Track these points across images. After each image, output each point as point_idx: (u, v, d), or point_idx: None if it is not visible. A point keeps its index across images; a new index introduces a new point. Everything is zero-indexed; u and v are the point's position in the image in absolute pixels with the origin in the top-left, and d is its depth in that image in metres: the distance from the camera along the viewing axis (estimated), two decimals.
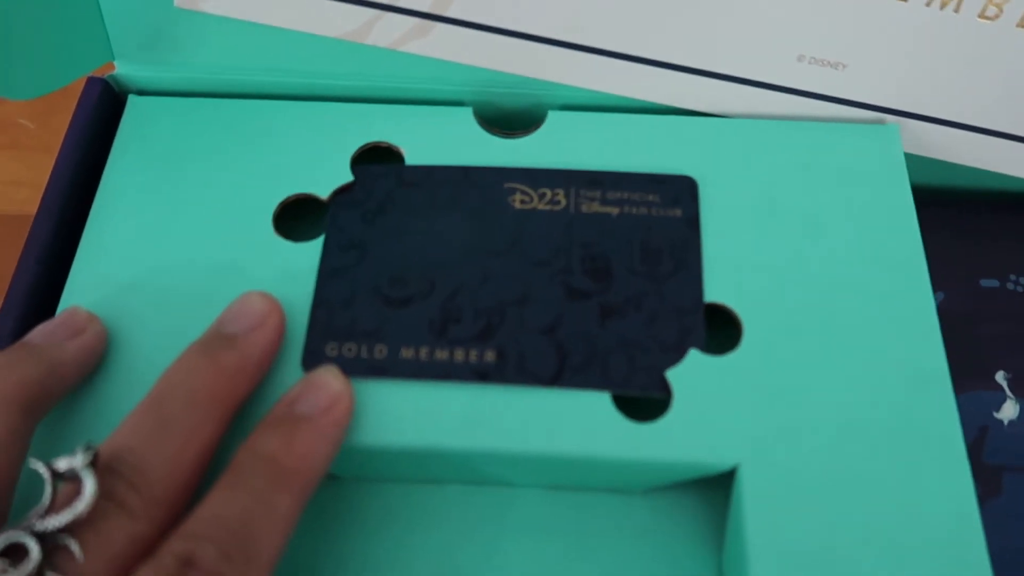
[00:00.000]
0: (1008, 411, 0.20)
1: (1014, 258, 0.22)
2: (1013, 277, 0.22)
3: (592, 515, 0.18)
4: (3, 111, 0.29)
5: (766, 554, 0.16)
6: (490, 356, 0.18)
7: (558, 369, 0.18)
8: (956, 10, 0.19)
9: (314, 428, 0.16)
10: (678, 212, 0.20)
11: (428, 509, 0.18)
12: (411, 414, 0.17)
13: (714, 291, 0.19)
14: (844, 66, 0.20)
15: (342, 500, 0.18)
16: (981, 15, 0.19)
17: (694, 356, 0.18)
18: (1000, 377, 0.21)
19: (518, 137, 0.21)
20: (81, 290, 0.19)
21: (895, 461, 0.17)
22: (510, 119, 0.22)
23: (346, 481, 0.19)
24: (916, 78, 0.20)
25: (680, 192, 0.20)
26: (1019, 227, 0.23)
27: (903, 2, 0.19)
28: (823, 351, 0.18)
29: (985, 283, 0.22)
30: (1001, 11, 0.19)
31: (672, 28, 0.20)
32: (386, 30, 0.20)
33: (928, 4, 0.19)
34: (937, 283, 0.22)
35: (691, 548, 0.18)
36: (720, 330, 0.19)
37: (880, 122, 0.21)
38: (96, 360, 0.18)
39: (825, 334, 0.18)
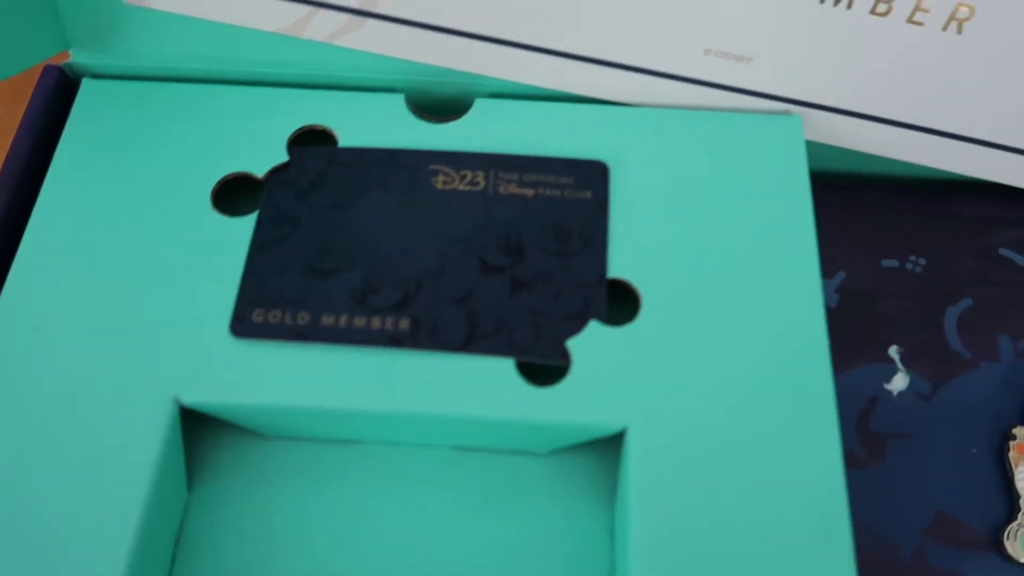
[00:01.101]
0: (898, 383, 0.22)
1: (914, 240, 0.24)
2: (912, 258, 0.23)
3: (497, 475, 0.20)
4: None
5: (647, 511, 0.18)
6: (405, 324, 0.19)
7: (468, 337, 0.19)
8: (849, 6, 0.21)
9: None
10: (589, 194, 0.21)
11: (345, 466, 0.20)
12: (330, 377, 0.19)
13: (617, 268, 0.20)
14: (749, 59, 0.22)
15: (265, 457, 0.20)
16: (872, 11, 0.21)
17: (594, 327, 0.19)
18: (893, 351, 0.22)
19: (446, 123, 0.22)
20: (31, 258, 0.20)
21: (772, 430, 0.18)
22: (440, 106, 0.23)
23: (269, 439, 0.20)
24: (817, 70, 0.22)
25: (592, 176, 0.21)
26: (919, 210, 0.24)
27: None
28: (713, 325, 0.19)
29: (886, 263, 0.23)
30: (891, 8, 0.21)
31: (587, 23, 0.21)
32: (321, 25, 0.21)
33: (822, 1, 0.21)
34: (840, 263, 0.23)
35: (588, 507, 0.20)
36: (622, 304, 0.20)
37: (785, 112, 0.23)
38: None
39: (717, 309, 0.20)
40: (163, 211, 0.21)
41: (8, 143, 0.24)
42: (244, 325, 0.19)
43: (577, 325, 0.19)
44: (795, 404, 0.19)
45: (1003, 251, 0.24)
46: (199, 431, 0.20)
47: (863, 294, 0.23)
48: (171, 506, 0.19)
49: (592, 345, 0.19)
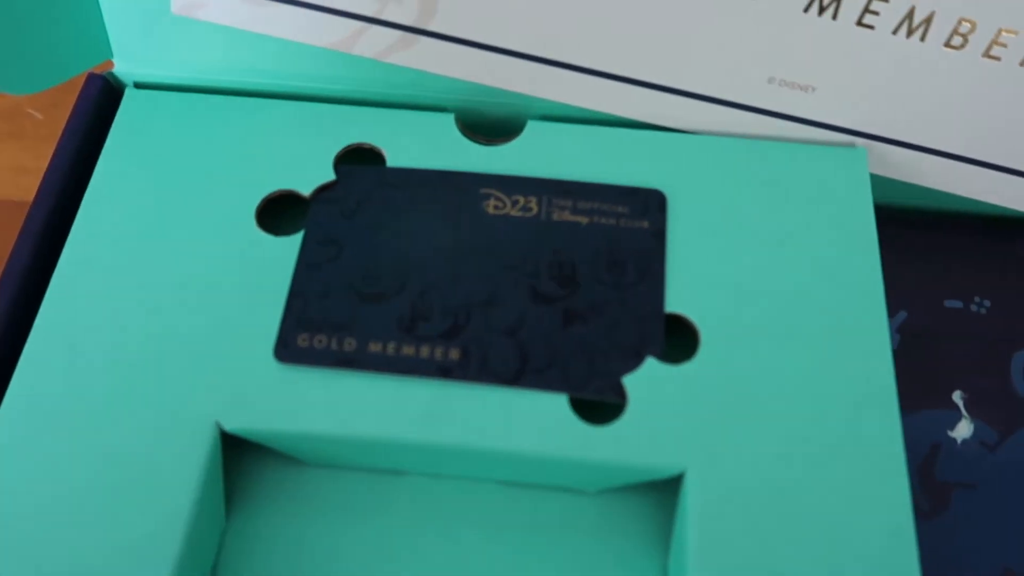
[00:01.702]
0: (962, 430, 0.21)
1: (979, 280, 0.23)
2: (977, 299, 0.23)
3: (545, 512, 0.19)
4: (13, 101, 0.30)
5: (706, 558, 0.17)
6: (455, 354, 0.18)
7: (519, 369, 0.18)
8: (922, 39, 0.20)
9: None
10: (645, 224, 0.20)
11: (388, 498, 0.19)
12: (375, 406, 0.18)
13: (676, 302, 0.19)
14: (813, 89, 0.21)
15: (306, 486, 0.19)
16: (947, 44, 0.20)
17: (651, 364, 0.19)
18: (957, 397, 0.21)
19: (497, 144, 0.22)
20: (70, 274, 0.20)
21: (837, 476, 0.17)
22: (491, 127, 0.23)
23: (311, 468, 0.20)
24: (884, 102, 0.21)
25: (649, 205, 0.21)
26: (985, 250, 0.23)
27: (870, 29, 0.20)
28: (775, 365, 0.19)
29: (949, 303, 0.22)
30: (966, 41, 0.20)
31: (647, 47, 0.21)
32: (371, 42, 0.21)
33: (895, 32, 0.20)
34: (901, 302, 0.23)
35: (639, 548, 0.19)
36: (679, 340, 0.19)
37: (849, 144, 0.22)
38: None
39: (779, 348, 0.19)
40: (206, 227, 0.20)
41: (48, 150, 0.24)
42: (289, 350, 0.18)
43: (633, 361, 0.19)
44: (862, 451, 0.18)
45: None
46: (239, 457, 0.20)
47: (925, 335, 0.22)
48: (209, 535, 0.18)
49: (649, 382, 0.18)
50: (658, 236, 0.20)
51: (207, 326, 0.19)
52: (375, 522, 0.19)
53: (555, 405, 0.18)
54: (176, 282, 0.19)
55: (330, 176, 0.21)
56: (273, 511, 0.19)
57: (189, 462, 0.17)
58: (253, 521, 0.19)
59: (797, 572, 0.17)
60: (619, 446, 0.18)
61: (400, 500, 0.19)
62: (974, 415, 0.21)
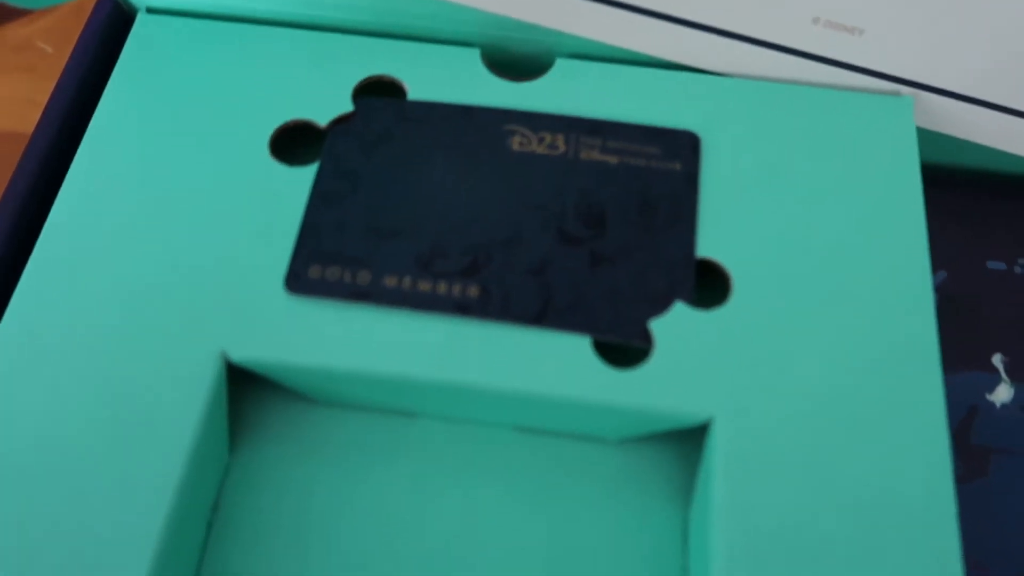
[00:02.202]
0: (1002, 394, 0.20)
1: (1023, 242, 0.22)
2: (1021, 261, 0.21)
3: (563, 461, 0.18)
4: (24, 34, 0.29)
5: (732, 512, 0.16)
6: (473, 291, 0.18)
7: (542, 310, 0.17)
8: None
9: None
10: (677, 166, 0.19)
11: (398, 442, 0.18)
12: (389, 341, 0.17)
13: (707, 247, 0.18)
14: (861, 31, 0.20)
15: (314, 425, 0.19)
16: None
17: (680, 309, 0.18)
18: (997, 360, 0.20)
19: (524, 82, 0.21)
20: (73, 201, 0.19)
21: (872, 432, 0.17)
22: (517, 64, 0.22)
23: (320, 406, 0.19)
24: (935, 49, 0.20)
25: (681, 146, 0.20)
26: None
27: None
28: (810, 316, 0.18)
29: (992, 265, 0.21)
30: None
31: None
32: None
33: None
34: (941, 262, 0.21)
35: (659, 502, 0.18)
36: (710, 286, 0.18)
37: (895, 93, 0.21)
38: None
39: (814, 300, 0.18)
40: (218, 156, 0.19)
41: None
42: (300, 281, 0.18)
43: (661, 306, 0.18)
44: (900, 408, 0.17)
45: None
46: (246, 392, 0.19)
47: (966, 297, 0.21)
48: (212, 469, 0.17)
49: (677, 328, 0.17)
50: (690, 179, 0.19)
51: (216, 255, 0.18)
52: (382, 465, 0.18)
53: (578, 348, 0.17)
54: (185, 211, 0.19)
55: (348, 108, 0.20)
56: (278, 449, 0.18)
57: (193, 391, 0.16)
58: (258, 458, 0.18)
59: (828, 532, 0.16)
60: (643, 391, 0.17)
61: (411, 444, 0.18)
62: (1015, 379, 0.20)
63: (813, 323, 0.18)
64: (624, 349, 0.17)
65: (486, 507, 0.18)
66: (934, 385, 0.17)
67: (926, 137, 0.21)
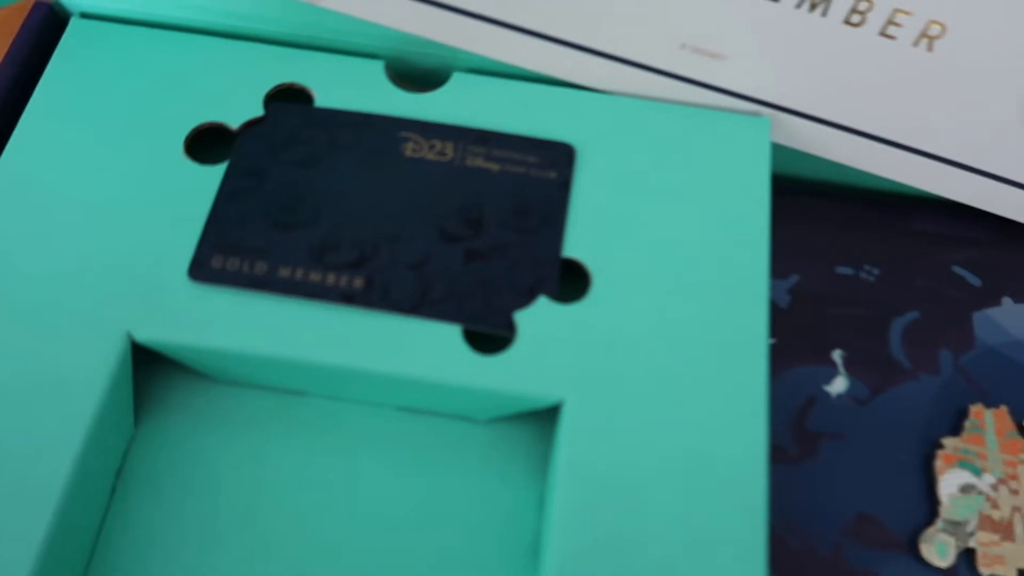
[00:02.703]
0: (838, 385, 0.23)
1: (870, 251, 0.24)
2: (867, 267, 0.24)
3: (437, 438, 0.21)
4: None
5: (573, 477, 0.18)
6: (359, 283, 0.20)
7: (419, 300, 0.20)
8: (824, 14, 0.21)
9: None
10: (553, 175, 0.21)
11: (290, 418, 0.21)
12: (282, 327, 0.19)
13: (573, 248, 0.21)
14: (724, 57, 0.22)
15: (213, 401, 0.21)
16: (846, 21, 0.21)
17: (543, 303, 0.20)
18: (836, 355, 0.23)
19: (422, 93, 0.23)
20: (1, 189, 0.21)
21: (700, 413, 0.19)
22: (418, 76, 0.24)
23: (218, 384, 0.21)
24: (790, 74, 0.22)
25: (558, 157, 0.22)
26: (878, 222, 0.25)
27: (776, 2, 0.21)
28: (657, 310, 0.20)
29: (840, 270, 0.24)
30: (864, 19, 0.21)
31: (568, 8, 0.22)
32: None
33: (798, 6, 0.21)
34: (794, 266, 0.24)
35: (521, 476, 0.20)
36: (574, 285, 0.21)
37: (755, 113, 0.23)
38: None
39: (662, 295, 0.20)
40: (135, 154, 0.21)
41: None
42: (202, 270, 0.20)
43: (527, 299, 0.20)
44: (728, 397, 0.19)
45: (956, 269, 0.24)
46: (150, 370, 0.21)
47: (814, 297, 0.23)
48: (116, 437, 0.19)
49: (539, 320, 0.20)
50: (563, 187, 0.21)
51: (127, 244, 0.20)
52: (275, 439, 0.20)
53: (449, 335, 0.19)
54: (101, 203, 0.20)
55: (259, 112, 0.22)
56: (180, 422, 0.20)
57: (98, 366, 0.18)
58: (160, 431, 0.20)
59: (656, 493, 0.18)
60: (505, 375, 0.19)
61: (301, 419, 0.21)
62: (851, 373, 0.23)
63: (659, 316, 0.20)
64: (491, 337, 0.20)
65: (366, 476, 0.20)
66: (759, 373, 0.19)
67: (786, 154, 0.24)
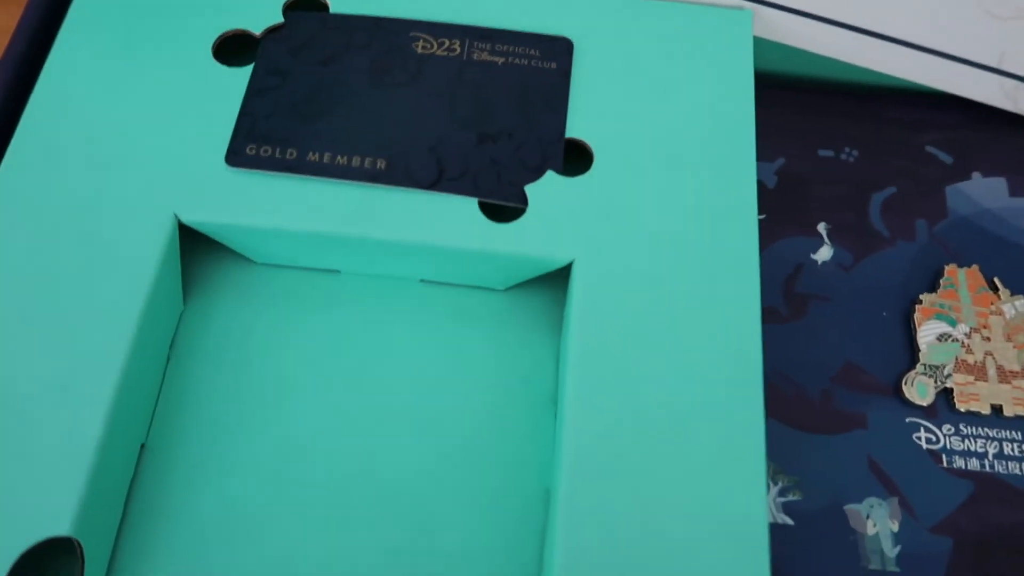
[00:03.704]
0: (823, 254, 0.24)
1: (850, 135, 0.26)
2: (847, 149, 0.26)
3: (460, 306, 0.23)
4: None
5: (585, 333, 0.20)
6: (381, 164, 0.21)
7: (437, 178, 0.21)
8: None
9: None
10: (554, 65, 0.23)
11: (324, 293, 0.23)
12: (314, 205, 0.21)
13: (575, 129, 0.22)
14: None
15: (255, 281, 0.23)
16: None
17: (550, 176, 0.22)
18: (821, 227, 0.25)
19: None
20: (45, 98, 0.22)
21: (699, 276, 0.21)
22: None
23: (259, 265, 0.23)
24: None
25: (558, 50, 0.23)
26: (855, 110, 0.26)
27: None
28: (654, 184, 0.22)
29: (822, 152, 0.26)
30: None
31: None
32: None
33: None
34: (780, 150, 0.26)
35: (538, 336, 0.22)
36: (577, 162, 0.22)
37: (738, 7, 0.25)
38: None
39: (659, 171, 0.22)
40: (169, 61, 0.23)
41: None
42: (238, 157, 0.21)
43: (535, 175, 0.22)
44: (721, 257, 0.21)
45: (929, 148, 0.26)
46: (197, 254, 0.23)
47: (799, 177, 0.25)
48: (167, 312, 0.21)
49: (547, 192, 0.21)
50: (564, 76, 0.23)
51: (169, 139, 0.22)
52: (313, 313, 0.22)
53: (467, 207, 0.21)
54: (143, 105, 0.22)
55: (279, 20, 0.24)
56: (225, 301, 0.22)
57: (149, 247, 0.20)
58: (207, 308, 0.22)
59: (658, 340, 0.20)
60: (519, 240, 0.21)
61: (335, 295, 0.22)
62: (835, 243, 0.25)
63: (656, 189, 0.22)
64: (504, 208, 0.21)
65: (396, 343, 0.22)
66: (750, 237, 0.21)
67: (771, 51, 0.26)
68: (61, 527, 0.17)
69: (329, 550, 0.20)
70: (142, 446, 0.21)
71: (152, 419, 0.21)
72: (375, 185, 0.21)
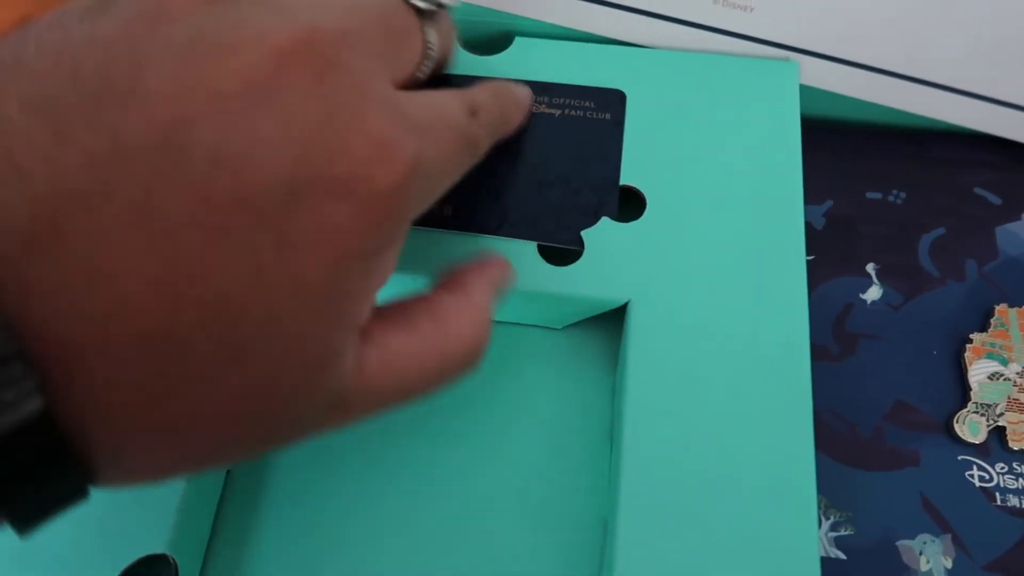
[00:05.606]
0: (872, 294, 0.25)
1: (897, 177, 0.27)
2: (895, 191, 0.27)
3: (522, 345, 0.24)
4: None
5: (641, 368, 0.21)
6: (448, 211, 0.23)
7: (499, 223, 0.23)
8: None
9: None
10: (608, 116, 0.25)
11: None
12: None
13: (629, 176, 0.24)
14: (752, 9, 0.25)
15: None
16: None
17: (606, 222, 0.23)
18: (870, 267, 0.25)
19: (491, 56, 0.26)
20: None
21: (748, 313, 0.22)
22: (486, 42, 0.27)
23: None
24: (815, 20, 0.25)
25: (611, 101, 0.25)
26: (903, 152, 0.27)
27: None
28: (706, 228, 0.23)
29: (870, 195, 0.26)
30: None
31: None
32: None
33: None
34: (828, 192, 0.27)
35: (594, 372, 0.23)
36: (631, 208, 0.24)
37: (785, 59, 0.26)
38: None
39: (710, 216, 0.23)
40: None
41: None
42: None
43: (592, 220, 0.23)
44: (771, 297, 0.22)
45: (978, 190, 0.27)
46: None
47: (847, 219, 0.26)
48: None
49: (603, 236, 0.23)
50: (618, 125, 0.24)
51: None
52: None
53: (527, 251, 0.23)
54: None
55: None
56: None
57: None
58: None
59: (711, 377, 0.21)
60: (577, 282, 0.22)
61: None
62: (884, 282, 0.25)
63: (707, 233, 0.23)
64: (562, 252, 0.23)
65: (464, 384, 0.23)
66: (798, 272, 0.22)
67: (816, 96, 0.27)
68: (158, 545, 0.19)
69: (402, 572, 0.21)
70: (228, 471, 0.22)
71: None
72: (442, 231, 0.23)
